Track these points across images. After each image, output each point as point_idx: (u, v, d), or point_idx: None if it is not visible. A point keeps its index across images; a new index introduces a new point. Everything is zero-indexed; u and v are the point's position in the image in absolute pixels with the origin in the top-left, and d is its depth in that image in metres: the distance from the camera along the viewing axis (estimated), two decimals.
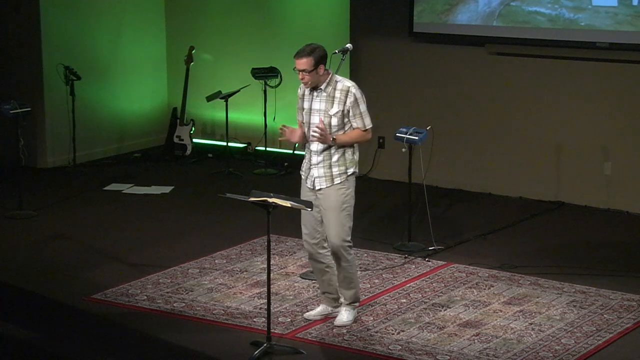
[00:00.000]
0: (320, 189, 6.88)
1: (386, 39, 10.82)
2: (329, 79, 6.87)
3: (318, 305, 7.27)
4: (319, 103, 6.87)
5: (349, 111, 6.83)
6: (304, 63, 6.77)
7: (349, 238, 6.94)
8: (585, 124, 10.01)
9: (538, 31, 9.97)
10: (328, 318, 7.15)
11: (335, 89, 6.84)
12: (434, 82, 10.70)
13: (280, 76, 11.46)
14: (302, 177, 7.04)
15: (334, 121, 6.83)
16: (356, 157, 6.96)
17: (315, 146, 6.89)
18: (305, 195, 6.98)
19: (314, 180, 6.91)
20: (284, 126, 7.02)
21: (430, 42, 10.60)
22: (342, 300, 7.13)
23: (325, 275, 7.06)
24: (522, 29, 10.04)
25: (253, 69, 11.38)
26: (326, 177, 6.87)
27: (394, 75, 10.86)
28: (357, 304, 7.16)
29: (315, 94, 6.88)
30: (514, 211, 9.88)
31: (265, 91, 11.31)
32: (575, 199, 10.08)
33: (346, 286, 7.05)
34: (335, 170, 6.88)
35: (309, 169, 6.95)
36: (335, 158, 6.87)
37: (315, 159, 6.90)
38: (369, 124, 6.89)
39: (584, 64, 9.94)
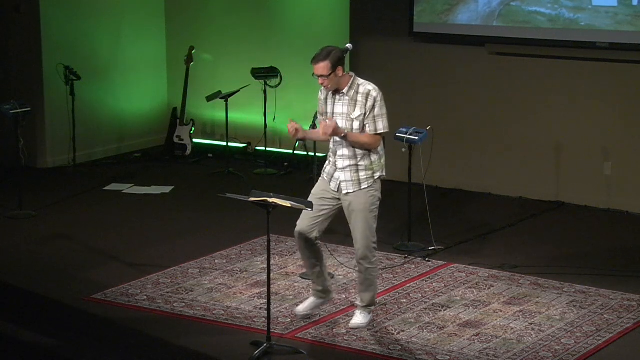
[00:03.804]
0: (347, 193, 6.86)
1: (386, 39, 10.83)
2: (351, 82, 6.80)
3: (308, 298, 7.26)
4: (341, 107, 6.83)
5: (366, 114, 6.80)
6: (321, 68, 6.70)
7: (375, 239, 6.92)
8: (585, 124, 10.01)
9: (538, 31, 9.97)
10: (326, 318, 7.14)
11: (357, 92, 6.78)
12: (434, 82, 10.70)
13: (280, 76, 11.46)
14: (325, 177, 6.96)
15: (356, 124, 6.79)
16: (383, 160, 6.92)
17: (342, 150, 6.83)
18: (318, 192, 6.92)
19: (339, 184, 6.87)
20: (292, 122, 6.89)
21: (430, 42, 10.60)
22: (358, 302, 7.10)
23: (316, 268, 7.03)
24: (522, 29, 10.04)
25: (253, 69, 11.38)
26: (353, 182, 6.84)
27: (394, 75, 10.86)
28: (373, 308, 7.15)
29: (337, 97, 6.84)
30: (514, 211, 9.89)
31: (265, 91, 11.31)
32: (575, 199, 10.08)
33: (365, 289, 7.02)
34: (362, 174, 6.84)
35: (334, 172, 6.91)
36: (361, 162, 6.82)
37: (341, 163, 6.85)
38: (381, 128, 6.79)
39: (584, 64, 9.94)
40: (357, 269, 7.06)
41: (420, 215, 9.08)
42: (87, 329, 7.14)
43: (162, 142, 12.27)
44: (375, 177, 6.88)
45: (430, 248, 8.64)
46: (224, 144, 11.65)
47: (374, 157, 6.86)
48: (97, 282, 7.91)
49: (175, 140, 12.00)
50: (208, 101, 11.41)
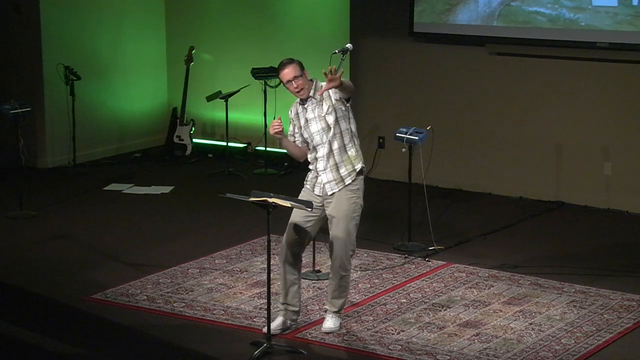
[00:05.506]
0: (332, 194, 6.84)
1: (386, 39, 10.83)
2: (314, 84, 6.87)
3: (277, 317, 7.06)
4: (312, 111, 6.84)
5: (336, 99, 6.78)
6: (291, 71, 6.75)
7: (354, 247, 6.91)
8: (585, 124, 10.01)
9: (538, 31, 9.97)
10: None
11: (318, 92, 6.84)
12: (434, 82, 10.70)
13: None
14: (307, 187, 6.96)
15: (330, 119, 6.79)
16: (360, 152, 6.93)
17: (322, 151, 6.84)
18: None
19: (323, 187, 6.86)
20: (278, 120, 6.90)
21: (430, 42, 10.60)
22: (327, 307, 7.04)
23: (294, 286, 6.97)
24: (522, 29, 10.04)
25: (253, 69, 11.38)
26: (336, 181, 6.83)
27: (394, 75, 10.86)
28: (342, 313, 7.10)
29: (306, 104, 6.86)
30: (514, 211, 9.88)
31: (265, 91, 11.30)
32: (575, 199, 10.08)
33: (338, 295, 6.97)
34: (343, 171, 6.84)
35: (316, 177, 6.90)
36: (339, 158, 6.82)
37: (321, 164, 6.85)
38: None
39: (584, 64, 9.94)
40: (330, 275, 7.00)
41: (420, 215, 9.08)
42: (87, 329, 7.14)
43: (162, 142, 12.27)
44: (357, 170, 6.87)
45: (430, 248, 8.64)
46: (224, 144, 11.65)
47: (351, 151, 6.87)
48: (97, 282, 7.91)
49: (175, 140, 12.00)
50: (208, 101, 11.42)
